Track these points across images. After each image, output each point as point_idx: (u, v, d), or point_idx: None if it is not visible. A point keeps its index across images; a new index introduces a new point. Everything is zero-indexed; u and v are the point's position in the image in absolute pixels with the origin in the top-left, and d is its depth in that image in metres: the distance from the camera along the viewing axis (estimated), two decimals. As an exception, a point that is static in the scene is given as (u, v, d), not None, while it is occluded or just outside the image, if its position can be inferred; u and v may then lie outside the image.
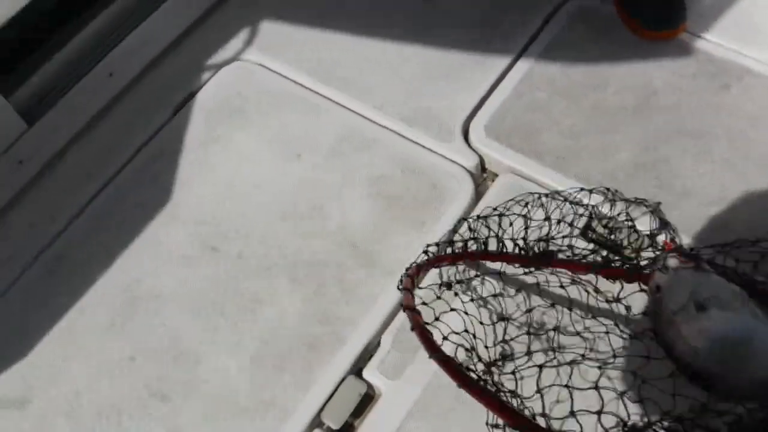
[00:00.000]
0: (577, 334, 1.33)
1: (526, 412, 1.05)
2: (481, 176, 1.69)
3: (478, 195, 1.63)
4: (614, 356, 1.27)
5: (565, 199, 1.44)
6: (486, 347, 1.28)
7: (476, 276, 1.45)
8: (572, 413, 1.02)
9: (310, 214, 1.65)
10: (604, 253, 1.39)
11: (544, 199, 1.45)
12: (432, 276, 1.44)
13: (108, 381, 1.49)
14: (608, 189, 1.47)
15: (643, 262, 1.33)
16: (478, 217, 1.46)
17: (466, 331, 1.25)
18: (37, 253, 1.67)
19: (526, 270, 1.41)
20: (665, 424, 1.04)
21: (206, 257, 1.62)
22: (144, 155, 1.79)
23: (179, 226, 1.67)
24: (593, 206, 1.46)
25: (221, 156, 1.77)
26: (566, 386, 1.10)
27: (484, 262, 1.46)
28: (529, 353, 1.31)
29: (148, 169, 1.77)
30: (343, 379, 1.43)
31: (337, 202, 1.66)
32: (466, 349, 1.22)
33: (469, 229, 1.45)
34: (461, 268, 1.44)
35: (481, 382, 1.07)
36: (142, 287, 1.60)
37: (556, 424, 1.01)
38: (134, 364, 1.50)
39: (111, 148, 1.82)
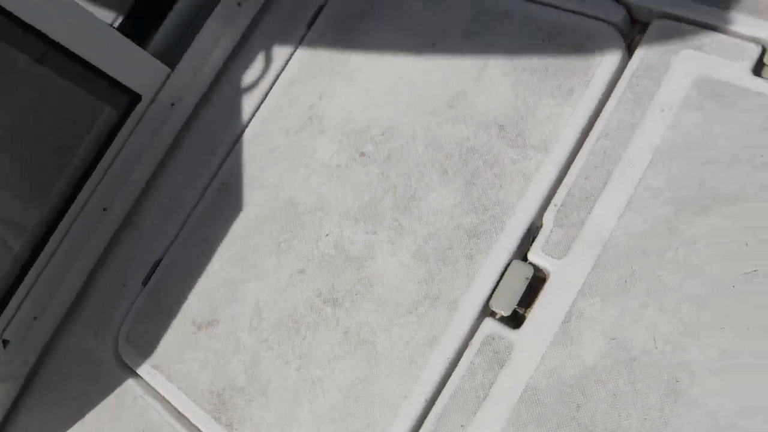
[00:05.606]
0: None
1: None
2: (631, 28, 1.52)
3: (630, 51, 1.48)
4: None
5: None
6: None
7: None
8: None
9: (453, 102, 1.58)
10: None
11: None
12: None
13: (282, 295, 1.57)
14: None
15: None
16: None
17: None
18: (205, 187, 1.78)
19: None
20: None
21: (356, 163, 1.62)
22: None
23: (326, 138, 1.68)
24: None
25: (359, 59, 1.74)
26: None
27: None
28: None
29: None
30: (508, 265, 1.39)
31: (477, 85, 1.58)
32: None
33: None
34: None
35: None
36: (301, 202, 1.64)
37: None
38: (305, 276, 1.56)
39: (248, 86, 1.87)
